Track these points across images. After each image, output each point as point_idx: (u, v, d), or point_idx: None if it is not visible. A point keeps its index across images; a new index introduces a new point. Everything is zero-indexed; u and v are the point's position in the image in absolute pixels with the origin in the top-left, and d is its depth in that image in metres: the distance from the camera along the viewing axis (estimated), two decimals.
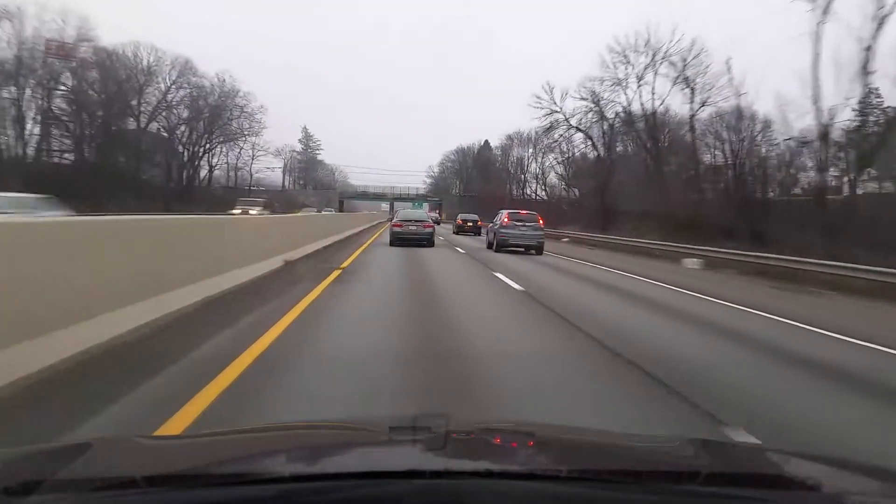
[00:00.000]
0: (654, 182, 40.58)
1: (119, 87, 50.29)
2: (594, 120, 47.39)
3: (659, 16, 57.29)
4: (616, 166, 46.44)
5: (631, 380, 4.63)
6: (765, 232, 24.38)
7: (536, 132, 64.40)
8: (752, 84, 47.74)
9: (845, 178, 29.97)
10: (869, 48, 21.94)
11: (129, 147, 51.84)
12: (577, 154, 54.29)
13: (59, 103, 46.35)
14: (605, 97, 45.02)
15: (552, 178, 65.03)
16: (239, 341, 5.01)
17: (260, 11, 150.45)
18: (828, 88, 27.19)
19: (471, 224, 36.36)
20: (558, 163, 59.75)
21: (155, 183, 53.17)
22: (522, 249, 19.67)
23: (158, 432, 2.99)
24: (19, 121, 42.72)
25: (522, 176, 72.31)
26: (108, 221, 5.53)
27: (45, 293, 3.85)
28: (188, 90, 57.47)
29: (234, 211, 34.99)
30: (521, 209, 23.19)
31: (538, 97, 49.12)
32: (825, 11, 23.06)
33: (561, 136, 51.84)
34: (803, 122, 32.13)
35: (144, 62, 54.03)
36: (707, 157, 38.69)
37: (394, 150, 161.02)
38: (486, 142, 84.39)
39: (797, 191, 34.52)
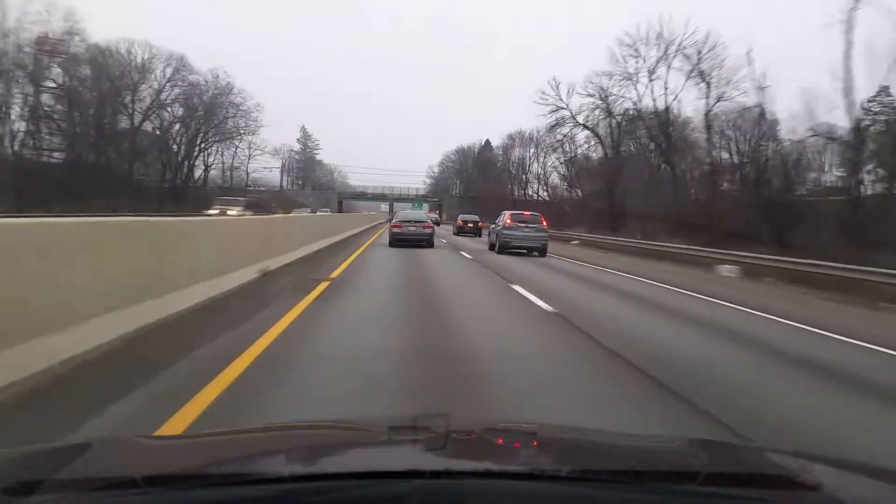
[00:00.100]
0: (667, 181, 39.62)
1: (112, 83, 50.06)
2: (601, 117, 46.66)
3: (664, 11, 55.96)
4: (624, 165, 45.59)
5: None
6: (790, 235, 23.20)
7: (539, 132, 64.45)
8: (773, 78, 46.62)
9: (872, 177, 28.40)
10: None
11: (122, 146, 51.76)
12: (580, 153, 54.06)
13: (47, 100, 45.91)
14: (613, 93, 43.96)
15: (554, 178, 65.02)
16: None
17: (259, 11, 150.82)
18: (859, 81, 25.97)
19: (471, 225, 36.33)
20: (561, 163, 59.68)
21: (149, 183, 53.10)
22: (525, 251, 19.65)
23: (158, 432, 3.01)
24: (4, 116, 42.31)
25: (524, 176, 72.37)
26: None
27: None
28: (184, 87, 57.18)
29: (211, 211, 32.54)
30: (524, 210, 23.09)
31: (543, 93, 48.51)
32: None
33: (565, 135, 51.37)
34: (829, 117, 29.97)
35: (138, 59, 53.89)
36: (722, 156, 37.71)
37: (393, 151, 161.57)
38: (487, 141, 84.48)
39: (804, 189, 33.56)
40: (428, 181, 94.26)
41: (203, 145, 63.05)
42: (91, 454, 1.27)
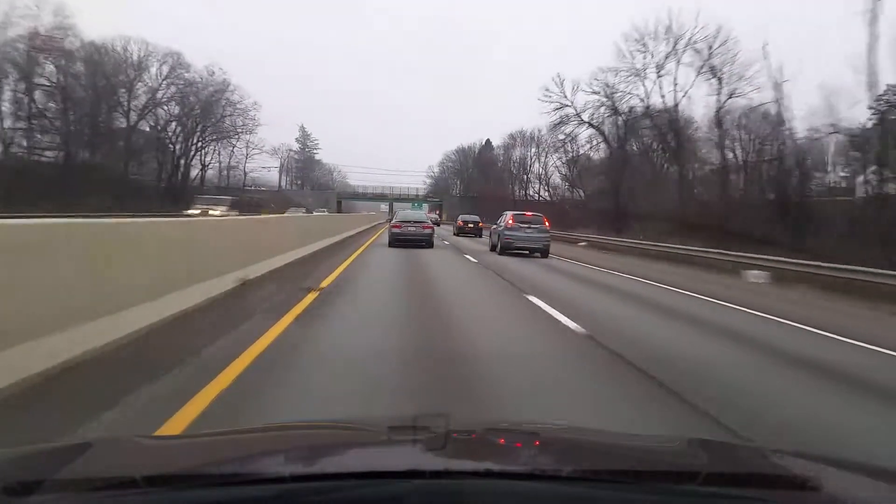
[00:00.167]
0: (673, 181, 38.90)
1: (108, 81, 49.85)
2: (606, 115, 46.08)
3: (672, 5, 54.90)
4: (630, 164, 44.93)
5: None
6: (807, 237, 22.40)
7: (540, 131, 64.44)
8: (790, 73, 45.09)
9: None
10: None
11: (118, 144, 51.55)
12: (583, 153, 53.82)
13: (40, 97, 45.40)
14: (620, 89, 43.37)
15: (555, 178, 64.96)
16: None
17: (259, 11, 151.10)
18: (884, 75, 24.57)
19: (472, 225, 36.39)
20: (563, 163, 59.62)
21: (145, 182, 53.03)
22: (527, 252, 19.59)
23: (158, 432, 3.02)
24: None
25: (525, 176, 72.38)
26: None
27: None
28: (180, 86, 56.93)
29: (191, 211, 30.48)
30: (526, 210, 23.02)
31: (547, 90, 48.14)
32: None
33: (569, 133, 50.85)
34: (849, 113, 30.33)
35: (134, 56, 53.68)
36: (735, 154, 37.08)
37: (393, 151, 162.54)
38: (488, 141, 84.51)
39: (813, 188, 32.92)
40: (428, 181, 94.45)
41: (200, 144, 63.04)
42: (91, 454, 1.28)
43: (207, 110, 59.77)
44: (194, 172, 63.58)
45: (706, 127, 39.13)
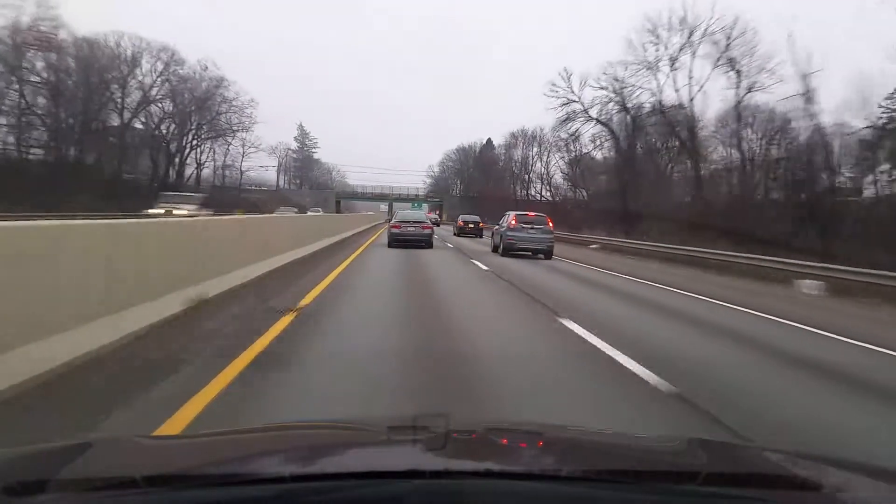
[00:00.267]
0: (689, 179, 37.86)
1: (100, 77, 49.47)
2: (615, 111, 44.87)
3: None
4: (639, 162, 43.99)
5: None
6: (835, 241, 21.23)
7: (542, 129, 64.46)
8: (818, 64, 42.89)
9: None
10: None
11: (110, 142, 51.35)
12: (586, 152, 53.47)
13: (29, 94, 44.69)
14: (630, 83, 41.70)
15: (557, 178, 64.85)
16: None
17: (259, 11, 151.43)
18: None
19: (472, 226, 36.50)
20: (566, 162, 59.48)
21: (140, 181, 52.83)
22: (530, 253, 19.48)
23: (158, 432, 3.04)
24: None
25: (527, 176, 72.37)
26: None
27: None
28: (174, 82, 56.44)
29: (154, 211, 26.99)
30: (529, 210, 22.91)
31: (554, 84, 46.72)
32: None
33: (575, 131, 49.73)
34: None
35: (128, 53, 53.23)
36: (738, 152, 35.92)
37: (393, 150, 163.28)
38: (489, 140, 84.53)
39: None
40: (428, 181, 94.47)
41: (195, 142, 62.71)
42: (91, 454, 1.30)
43: (202, 107, 59.29)
44: (190, 171, 63.38)
45: (714, 125, 38.36)
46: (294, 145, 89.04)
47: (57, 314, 4.25)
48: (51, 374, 3.94)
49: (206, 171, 67.87)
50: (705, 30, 35.73)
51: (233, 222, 11.02)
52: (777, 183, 32.68)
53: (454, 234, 35.97)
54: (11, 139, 44.27)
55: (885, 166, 26.96)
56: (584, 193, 55.06)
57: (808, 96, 27.72)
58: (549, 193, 65.78)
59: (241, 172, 72.33)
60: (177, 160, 60.08)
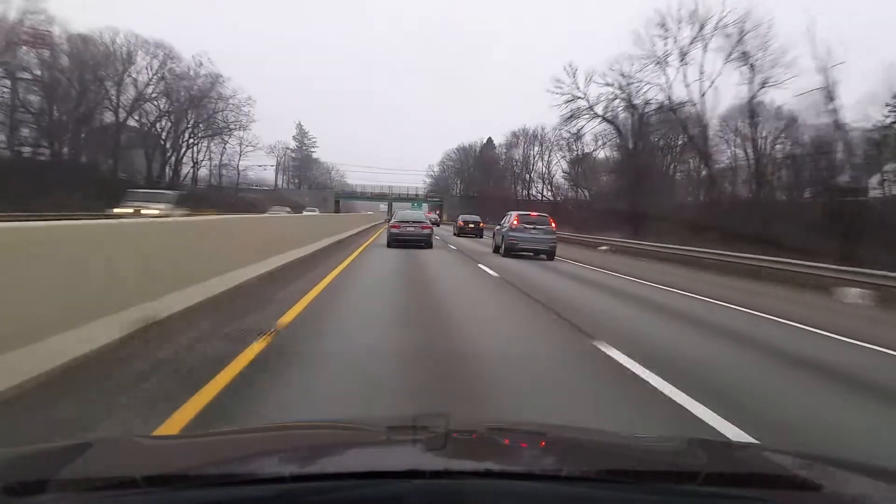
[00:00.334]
0: (700, 179, 37.25)
1: (94, 75, 49.11)
2: (620, 108, 43.98)
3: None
4: (647, 161, 43.18)
5: None
6: (858, 243, 20.24)
7: (543, 128, 64.49)
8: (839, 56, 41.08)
9: None
10: None
11: (105, 141, 51.13)
12: (589, 151, 53.31)
13: (20, 89, 44.26)
14: (637, 78, 40.63)
15: (559, 177, 64.81)
16: None
17: (259, 11, 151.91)
18: None
19: (472, 226, 36.59)
20: (567, 161, 59.41)
21: (136, 180, 52.65)
22: (532, 254, 19.39)
23: (158, 432, 3.06)
24: None
25: (528, 175, 72.38)
26: None
27: None
28: (169, 80, 55.76)
29: (120, 210, 23.15)
30: (532, 210, 22.84)
31: (559, 80, 45.72)
32: None
33: (579, 129, 48.95)
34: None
35: (124, 50, 52.74)
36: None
37: (393, 150, 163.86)
38: (490, 139, 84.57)
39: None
40: (428, 180, 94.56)
41: (191, 140, 62.32)
42: (91, 454, 1.31)
43: (198, 104, 58.72)
44: (186, 170, 63.02)
45: (724, 121, 37.55)
46: (292, 144, 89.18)
47: None
48: None
49: (204, 171, 67.81)
50: (717, 22, 34.61)
51: (206, 225, 9.26)
52: (795, 182, 31.68)
53: (454, 234, 35.99)
54: (3, 137, 43.92)
55: (893, 165, 26.58)
56: (587, 193, 55.05)
57: (828, 90, 26.64)
58: (550, 193, 65.85)
59: (239, 172, 72.27)
60: (173, 159, 59.83)
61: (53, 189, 35.84)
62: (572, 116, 47.08)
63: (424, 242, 20.71)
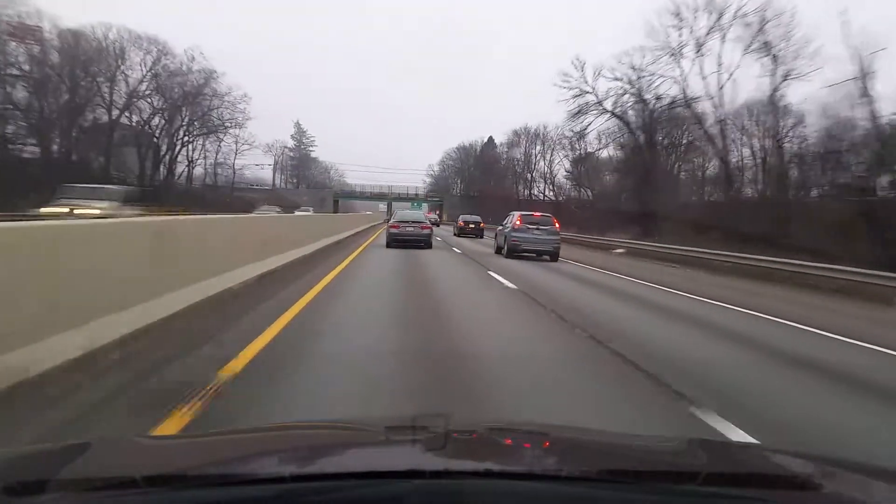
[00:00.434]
0: (720, 178, 35.77)
1: (86, 71, 48.92)
2: (629, 104, 42.84)
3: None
4: (657, 157, 42.28)
5: None
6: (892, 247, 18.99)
7: (545, 127, 64.47)
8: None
9: None
10: None
11: (98, 138, 50.96)
12: (591, 151, 53.23)
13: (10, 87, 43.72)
14: (649, 71, 39.11)
15: (560, 177, 64.76)
16: None
17: (258, 11, 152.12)
18: None
19: (473, 226, 36.60)
20: (570, 160, 59.37)
21: (129, 180, 52.46)
22: (535, 255, 19.29)
23: (157, 432, 3.09)
24: None
25: (529, 175, 72.34)
26: None
27: None
28: (163, 77, 55.24)
29: (49, 209, 18.86)
30: (535, 210, 22.71)
31: (566, 74, 44.31)
32: None
33: (586, 126, 47.61)
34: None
35: (116, 46, 52.30)
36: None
37: (393, 150, 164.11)
38: (490, 138, 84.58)
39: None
40: (428, 180, 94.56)
41: (186, 139, 61.81)
42: (91, 454, 1.33)
43: (192, 101, 58.11)
44: (181, 169, 62.43)
45: (746, 115, 36.03)
46: (291, 144, 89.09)
47: None
48: None
49: (199, 170, 67.46)
50: (736, 11, 33.13)
51: (163, 226, 6.83)
52: (825, 180, 29.94)
53: (454, 235, 35.95)
54: None
55: None
56: (590, 193, 54.99)
57: (863, 81, 24.59)
58: (552, 193, 65.80)
59: (235, 170, 71.77)
60: (167, 157, 59.58)
61: (42, 188, 35.81)
62: (580, 112, 45.50)
63: (424, 243, 20.88)
